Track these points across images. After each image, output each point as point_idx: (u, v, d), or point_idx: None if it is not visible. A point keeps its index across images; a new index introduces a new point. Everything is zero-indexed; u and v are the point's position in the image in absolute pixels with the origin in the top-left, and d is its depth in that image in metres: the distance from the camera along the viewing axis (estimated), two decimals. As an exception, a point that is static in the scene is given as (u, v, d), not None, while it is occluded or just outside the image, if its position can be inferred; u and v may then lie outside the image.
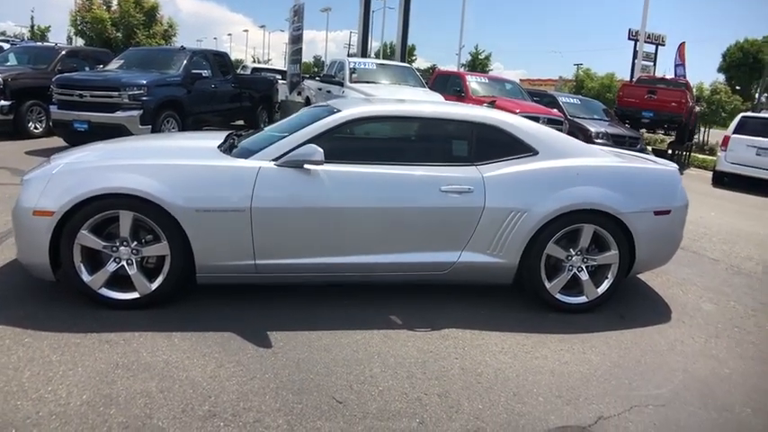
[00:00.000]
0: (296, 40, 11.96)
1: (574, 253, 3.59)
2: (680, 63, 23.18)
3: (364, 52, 15.04)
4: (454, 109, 3.83)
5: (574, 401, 2.65)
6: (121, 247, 3.18)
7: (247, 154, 3.38)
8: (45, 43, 12.13)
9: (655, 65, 40.79)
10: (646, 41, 38.76)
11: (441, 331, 3.26)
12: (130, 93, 7.93)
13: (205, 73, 9.40)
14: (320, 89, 11.44)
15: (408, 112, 3.79)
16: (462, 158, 3.55)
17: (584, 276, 3.62)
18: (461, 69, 34.68)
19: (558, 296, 3.62)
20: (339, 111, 3.49)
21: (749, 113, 12.36)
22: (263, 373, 2.69)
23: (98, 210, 3.08)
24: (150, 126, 8.07)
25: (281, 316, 3.30)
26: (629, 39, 37.25)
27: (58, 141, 8.79)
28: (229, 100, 10.61)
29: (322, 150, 3.12)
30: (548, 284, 3.57)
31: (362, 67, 10.63)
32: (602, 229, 3.55)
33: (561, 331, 3.38)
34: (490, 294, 3.77)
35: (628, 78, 32.43)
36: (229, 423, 2.30)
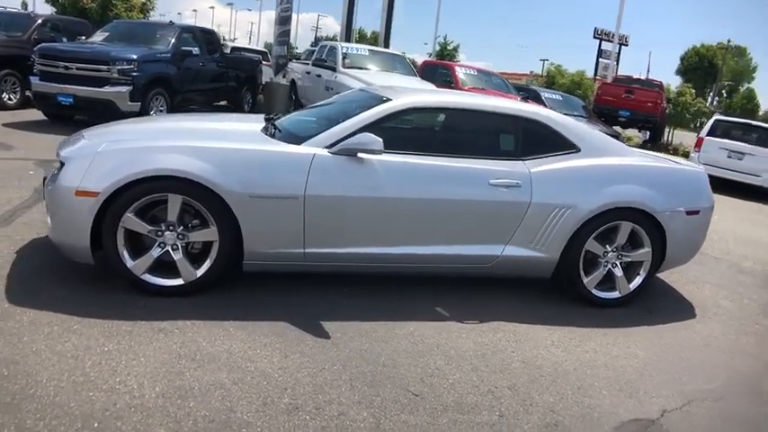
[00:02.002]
0: (284, 21, 11.66)
1: (610, 249, 3.68)
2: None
3: (348, 37, 14.84)
4: (502, 102, 3.85)
5: (635, 395, 2.73)
6: (167, 232, 3.05)
7: (296, 139, 3.29)
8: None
9: (618, 64, 41.99)
10: (610, 40, 39.97)
11: (489, 324, 3.29)
12: (120, 67, 7.57)
13: (195, 50, 9.06)
14: (308, 73, 11.24)
15: (459, 103, 3.77)
16: (509, 153, 3.57)
17: (619, 272, 3.72)
18: (432, 59, 34.74)
19: (594, 291, 3.70)
20: (390, 99, 3.44)
21: (722, 117, 12.93)
22: (330, 364, 2.65)
23: (146, 192, 2.94)
24: (139, 103, 7.74)
25: (329, 305, 3.25)
26: (595, 37, 38.20)
27: (35, 114, 8.33)
28: (216, 79, 10.28)
29: (381, 140, 3.06)
30: (585, 279, 3.65)
31: (355, 52, 10.50)
32: (639, 226, 3.65)
33: (600, 325, 3.47)
34: (522, 287, 3.82)
35: (595, 76, 33.28)
36: (315, 417, 2.26)
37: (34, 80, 7.77)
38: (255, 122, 3.80)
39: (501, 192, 3.39)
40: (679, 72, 48.68)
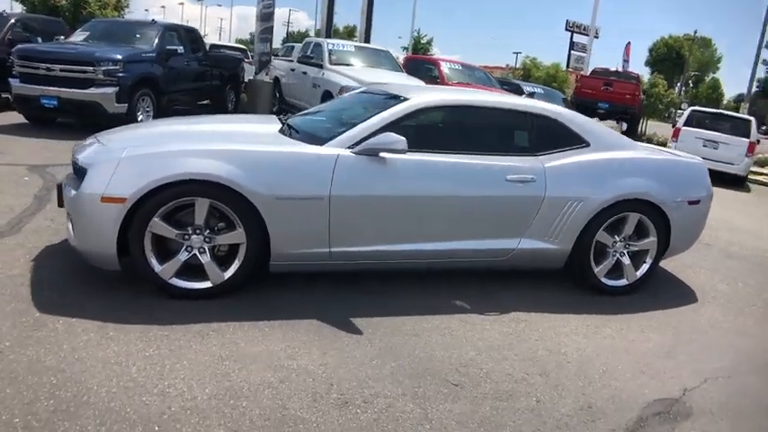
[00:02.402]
0: (266, 17, 11.56)
1: (618, 239, 3.83)
2: (626, 59, 24.61)
3: (329, 33, 14.79)
4: (515, 99, 3.96)
5: (657, 377, 2.88)
6: (194, 236, 3.07)
7: (317, 140, 3.33)
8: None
9: (587, 56, 42.69)
10: (581, 33, 40.66)
11: (509, 315, 3.41)
12: (105, 68, 7.43)
13: (179, 49, 8.94)
14: (293, 70, 11.20)
15: (475, 101, 3.87)
16: (523, 149, 3.68)
17: (627, 261, 3.88)
18: (408, 53, 34.84)
19: (604, 280, 3.85)
20: (407, 98, 3.50)
21: (698, 108, 13.36)
22: (368, 359, 2.72)
23: (173, 196, 2.95)
24: (126, 105, 7.63)
25: (353, 302, 3.31)
26: (567, 30, 38.71)
27: (15, 117, 8.11)
28: (201, 79, 10.17)
29: (404, 139, 3.13)
30: (596, 269, 3.80)
31: (340, 48, 10.49)
32: (646, 217, 3.80)
33: (611, 312, 3.62)
34: (532, 278, 3.95)
35: (568, 68, 33.81)
36: (365, 410, 2.33)
37: (14, 82, 7.57)
38: (268, 123, 3.83)
39: (517, 187, 3.50)
40: (648, 63, 49.87)
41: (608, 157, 3.76)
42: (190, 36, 9.98)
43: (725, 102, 56.26)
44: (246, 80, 12.25)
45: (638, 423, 2.45)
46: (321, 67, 9.94)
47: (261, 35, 11.77)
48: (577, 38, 40.42)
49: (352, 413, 2.30)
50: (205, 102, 11.17)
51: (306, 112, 4.20)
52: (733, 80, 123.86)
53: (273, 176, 3.07)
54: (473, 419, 2.35)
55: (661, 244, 3.91)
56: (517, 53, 48.45)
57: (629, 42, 26.40)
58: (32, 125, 7.97)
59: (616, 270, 3.90)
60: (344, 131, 3.33)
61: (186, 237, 3.06)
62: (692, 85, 56.03)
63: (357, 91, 4.55)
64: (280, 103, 12.00)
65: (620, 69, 20.53)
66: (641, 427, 2.43)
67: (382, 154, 3.23)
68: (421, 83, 9.83)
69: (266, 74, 12.01)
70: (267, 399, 2.33)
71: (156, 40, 8.60)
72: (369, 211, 3.27)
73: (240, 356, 2.61)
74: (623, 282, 3.91)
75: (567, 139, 3.74)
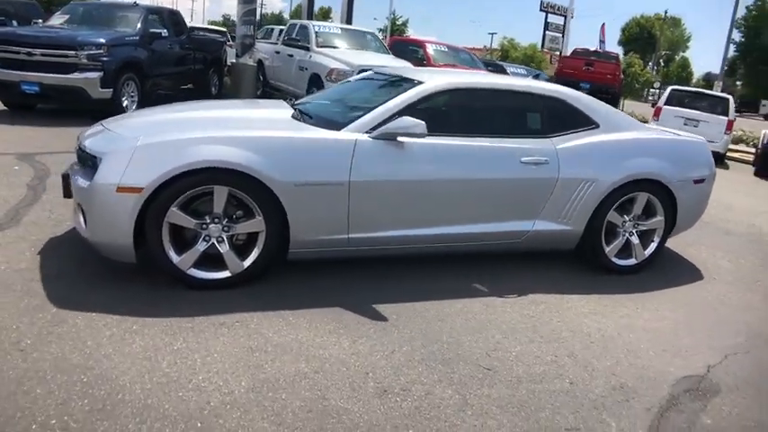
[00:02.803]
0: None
1: (627, 219, 3.87)
2: (602, 40, 24.84)
3: (310, 15, 14.51)
4: (527, 82, 3.94)
5: (679, 354, 2.93)
6: (212, 225, 2.99)
7: (333, 125, 3.27)
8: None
9: (564, 37, 43.07)
10: (555, 13, 40.86)
11: (527, 297, 3.43)
12: (89, 52, 7.18)
13: (163, 32, 8.68)
14: (278, 53, 10.97)
15: (488, 84, 3.83)
16: (536, 131, 3.67)
17: (636, 240, 3.92)
18: (384, 35, 34.52)
19: (614, 259, 3.90)
20: (422, 82, 3.45)
21: (678, 87, 13.54)
22: (398, 345, 2.70)
23: (192, 185, 2.86)
24: (111, 90, 7.40)
25: (374, 289, 3.28)
26: (541, 10, 38.78)
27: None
28: (184, 62, 9.90)
29: (424, 123, 3.09)
30: (606, 249, 3.84)
31: (327, 31, 10.31)
32: (654, 196, 3.85)
33: (623, 291, 3.66)
34: (543, 260, 3.97)
35: (543, 49, 33.94)
36: (405, 397, 2.32)
37: (-7, 68, 7.26)
38: (278, 108, 3.75)
39: (531, 169, 3.50)
40: (621, 43, 50.36)
41: (617, 138, 3.78)
42: (173, 19, 9.70)
43: (694, 80, 57.28)
44: (229, 63, 11.96)
45: (670, 401, 2.49)
46: (308, 49, 9.77)
47: (243, 17, 11.46)
48: (552, 18, 40.64)
49: (393, 402, 2.29)
50: (188, 86, 10.91)
51: (313, 96, 4.11)
52: (700, 59, 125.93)
53: (293, 162, 3.00)
54: (512, 403, 2.36)
55: (668, 223, 3.97)
56: (492, 34, 48.31)
57: (603, 24, 26.74)
58: (12, 112, 7.68)
59: (625, 249, 3.95)
60: (361, 116, 3.27)
61: (204, 226, 2.98)
62: (662, 64, 56.83)
63: (361, 75, 4.46)
64: (264, 86, 11.78)
65: (599, 50, 20.65)
66: (674, 404, 2.47)
67: (400, 138, 3.19)
68: (409, 64, 9.74)
69: (250, 57, 11.75)
70: (305, 390, 2.30)
71: (140, 24, 8.32)
72: (387, 195, 3.23)
73: (270, 347, 2.57)
74: (632, 261, 3.96)
75: (577, 121, 3.74)
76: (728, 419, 2.44)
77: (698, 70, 62.83)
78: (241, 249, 3.10)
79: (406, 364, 2.56)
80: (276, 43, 11.40)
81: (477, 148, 3.42)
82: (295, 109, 3.62)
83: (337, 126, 3.24)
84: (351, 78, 4.40)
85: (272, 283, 3.19)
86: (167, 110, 3.85)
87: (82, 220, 3.01)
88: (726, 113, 11.74)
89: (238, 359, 2.46)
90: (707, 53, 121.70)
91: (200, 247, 3.00)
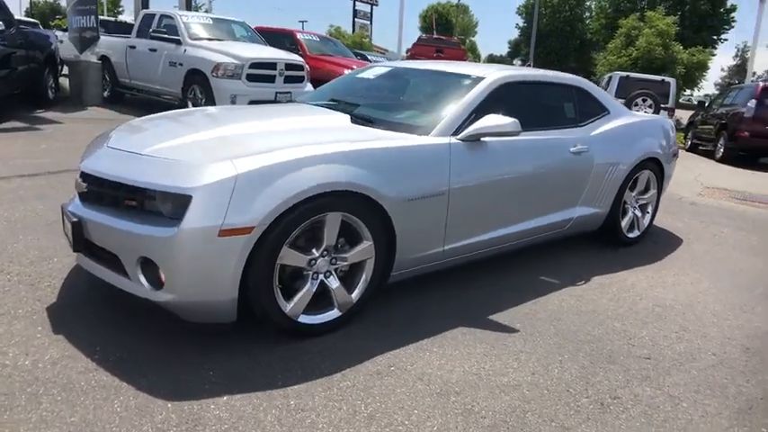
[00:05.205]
0: (85, -16, 9.52)
1: (633, 195, 4.24)
2: (435, 27, 26.37)
3: (146, 4, 12.80)
4: (556, 73, 4.00)
5: (743, 313, 3.30)
6: (320, 259, 2.52)
7: (407, 129, 2.96)
8: None
9: (371, 23, 44.86)
10: (362, 0, 42.40)
11: (592, 281, 3.56)
12: None
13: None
14: (133, 47, 9.52)
15: (536, 76, 3.86)
16: (572, 120, 3.79)
17: (639, 213, 4.32)
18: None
19: (626, 233, 4.25)
20: (483, 77, 3.30)
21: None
22: (558, 353, 2.60)
23: (305, 215, 2.37)
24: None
25: (470, 298, 3.11)
26: (349, -2, 39.71)
27: None
28: (14, 63, 7.99)
29: (517, 120, 2.97)
30: (623, 224, 4.16)
31: (196, 21, 9.23)
32: (652, 173, 4.27)
33: (649, 262, 4.02)
34: (571, 243, 4.16)
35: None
36: (620, 405, 2.24)
37: None
38: (323, 114, 3.31)
39: (577, 158, 3.61)
40: (422, 29, 54.00)
41: (627, 122, 4.09)
42: (-2, 8, 7.75)
43: (481, 62, 64.26)
44: (70, 60, 10.02)
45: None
46: (179, 43, 8.68)
47: (78, 6, 9.69)
48: (360, 6, 42.07)
49: (618, 411, 2.21)
50: (16, 91, 8.84)
51: (334, 97, 3.65)
52: (484, 43, 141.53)
53: (400, 176, 2.67)
54: (703, 384, 2.45)
55: (659, 195, 4.45)
56: (303, 21, 47.99)
57: (433, 14, 28.52)
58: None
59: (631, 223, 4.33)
60: (442, 117, 3.02)
61: (313, 262, 2.50)
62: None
63: (378, 71, 4.05)
64: (114, 87, 10.16)
65: (436, 36, 21.86)
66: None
67: (483, 138, 3.03)
68: (295, 56, 9.31)
69: (91, 53, 10.01)
70: (536, 422, 2.09)
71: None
72: (478, 199, 3.06)
73: (450, 386, 2.28)
74: (636, 233, 4.36)
75: (595, 108, 3.96)
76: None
77: (483, 53, 70.23)
78: (345, 282, 2.67)
79: (587, 368, 2.49)
80: (128, 36, 9.86)
81: (540, 141, 3.42)
82: (350, 114, 3.19)
83: (415, 130, 2.95)
84: (364, 75, 4.01)
85: (370, 316, 2.81)
86: (187, 126, 3.10)
87: (145, 279, 2.31)
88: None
89: (435, 408, 2.13)
90: (490, 37, 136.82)
91: (312, 287, 2.51)
